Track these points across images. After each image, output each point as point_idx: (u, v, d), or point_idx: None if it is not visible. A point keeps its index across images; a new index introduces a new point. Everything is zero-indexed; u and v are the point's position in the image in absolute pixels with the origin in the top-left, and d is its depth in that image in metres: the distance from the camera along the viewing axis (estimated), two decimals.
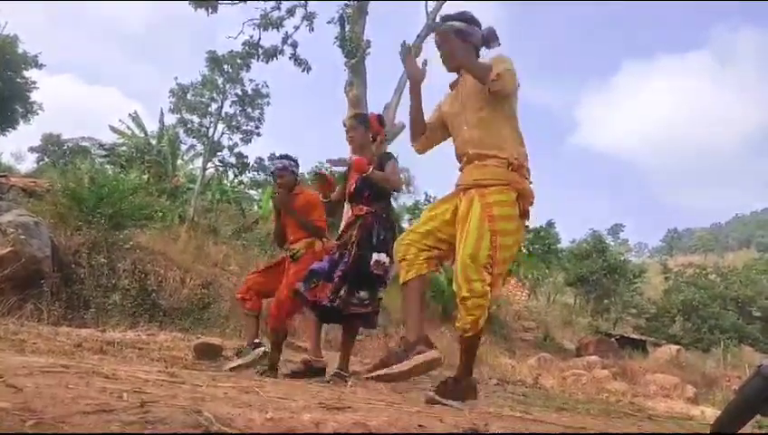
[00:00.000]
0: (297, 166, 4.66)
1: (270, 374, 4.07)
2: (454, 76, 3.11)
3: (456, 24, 3.00)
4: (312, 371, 3.95)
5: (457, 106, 2.98)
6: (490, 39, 3.04)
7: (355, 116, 4.46)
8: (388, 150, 4.11)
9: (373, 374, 2.77)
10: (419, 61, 3.09)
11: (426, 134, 3.16)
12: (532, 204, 2.87)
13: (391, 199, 4.10)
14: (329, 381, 3.70)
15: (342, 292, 3.76)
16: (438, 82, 3.29)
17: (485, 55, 3.05)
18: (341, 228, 4.17)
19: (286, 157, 4.65)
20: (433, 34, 3.16)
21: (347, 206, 4.57)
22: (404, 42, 3.19)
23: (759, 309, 25.63)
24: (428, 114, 3.21)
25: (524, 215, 2.82)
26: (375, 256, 3.70)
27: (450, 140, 3.12)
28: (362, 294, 3.76)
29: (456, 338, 2.86)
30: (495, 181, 2.76)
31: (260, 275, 4.59)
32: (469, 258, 2.64)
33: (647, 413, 5.64)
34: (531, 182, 2.90)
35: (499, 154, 2.80)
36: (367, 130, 4.07)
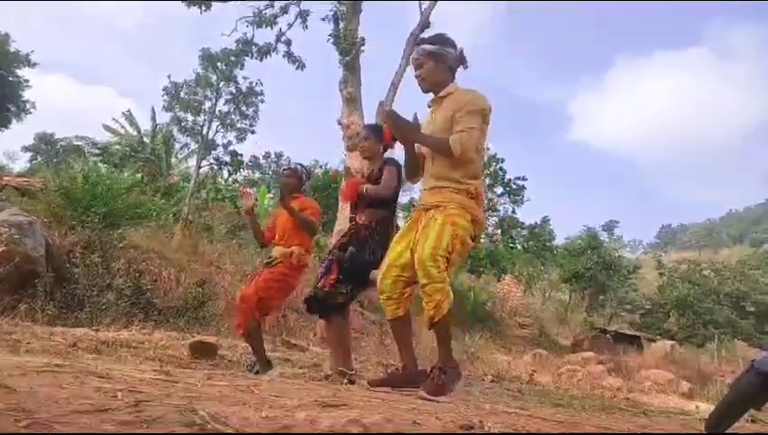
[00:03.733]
0: (308, 176, 4.82)
1: (266, 368, 4.12)
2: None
3: (429, 46, 3.15)
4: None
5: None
6: (462, 60, 3.20)
7: (370, 127, 4.53)
8: (392, 157, 4.12)
9: (374, 389, 3.08)
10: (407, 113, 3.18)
11: (421, 172, 3.32)
12: (482, 231, 3.17)
13: (393, 210, 4.09)
14: (327, 378, 3.71)
15: (321, 281, 3.84)
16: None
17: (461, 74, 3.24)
18: (338, 236, 4.20)
19: (302, 165, 4.85)
20: (410, 56, 3.29)
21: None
22: (379, 102, 3.32)
23: (753, 304, 25.76)
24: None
25: (474, 239, 3.07)
26: (375, 274, 3.66)
27: None
28: (348, 287, 3.81)
29: (426, 326, 3.01)
30: (454, 203, 2.99)
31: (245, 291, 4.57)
32: (429, 250, 2.85)
33: (642, 409, 5.66)
34: (484, 211, 3.21)
35: (458, 186, 3.03)
36: (378, 140, 4.10)
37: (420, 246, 2.90)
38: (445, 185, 3.04)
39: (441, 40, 3.17)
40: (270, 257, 4.46)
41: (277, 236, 4.52)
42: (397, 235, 3.25)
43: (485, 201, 3.19)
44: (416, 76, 3.20)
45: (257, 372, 4.17)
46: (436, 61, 3.11)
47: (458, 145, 2.92)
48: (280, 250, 4.41)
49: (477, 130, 2.99)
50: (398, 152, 4.13)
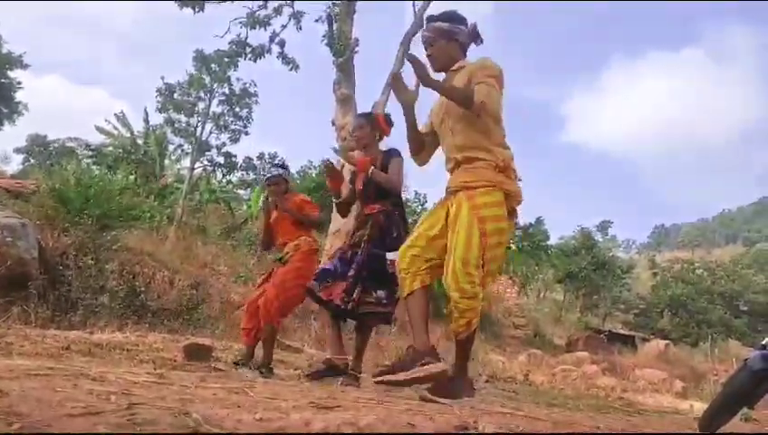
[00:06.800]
0: (288, 173, 4.70)
1: (266, 374, 4.05)
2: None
3: (440, 24, 3.04)
4: (334, 370, 3.79)
5: (442, 112, 3.03)
6: (475, 36, 3.09)
7: (362, 115, 4.42)
8: (394, 148, 4.04)
9: (380, 379, 2.90)
10: (411, 82, 3.04)
11: (425, 148, 3.20)
12: (519, 203, 2.95)
13: (399, 198, 3.97)
14: (341, 382, 3.66)
15: (356, 293, 3.68)
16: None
17: (473, 51, 3.12)
18: (353, 228, 4.07)
19: (279, 165, 4.71)
20: (420, 34, 3.18)
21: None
22: (395, 73, 3.19)
23: (746, 303, 25.94)
24: (424, 118, 3.26)
25: (512, 214, 2.91)
26: (391, 255, 3.59)
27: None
28: (380, 293, 3.66)
29: (447, 336, 2.95)
30: (483, 183, 2.82)
31: (255, 293, 4.51)
32: (460, 262, 2.72)
33: (636, 408, 5.69)
34: (519, 180, 2.97)
35: (486, 157, 2.86)
36: (373, 128, 4.00)
37: (450, 255, 2.76)
38: (472, 155, 2.88)
39: (452, 17, 3.07)
40: (282, 254, 4.36)
41: (282, 238, 4.46)
42: (427, 212, 3.11)
43: (515, 171, 2.97)
44: (427, 55, 3.07)
45: (259, 370, 4.14)
46: (449, 39, 3.01)
47: (481, 93, 2.75)
48: (287, 247, 4.35)
49: (497, 87, 2.85)
50: (394, 139, 4.08)
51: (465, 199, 2.80)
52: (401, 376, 2.78)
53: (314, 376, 3.84)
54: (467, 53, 3.11)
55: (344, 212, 4.30)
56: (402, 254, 2.98)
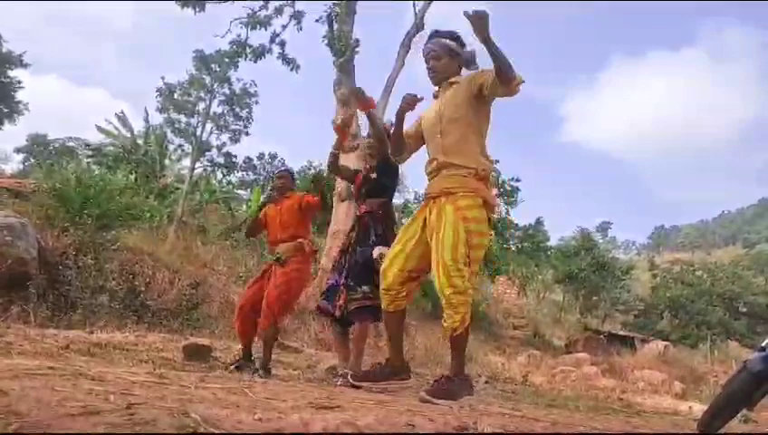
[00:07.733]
0: (294, 176, 4.99)
1: (264, 375, 4.06)
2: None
3: (447, 41, 3.16)
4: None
5: (434, 116, 3.13)
6: (471, 61, 3.20)
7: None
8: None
9: (359, 384, 3.21)
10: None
11: (406, 150, 3.35)
12: (494, 212, 3.14)
13: (391, 196, 4.23)
14: (339, 382, 3.69)
15: (341, 296, 3.92)
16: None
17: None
18: (332, 238, 4.30)
19: (288, 169, 5.00)
20: (424, 46, 3.25)
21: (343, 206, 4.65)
22: (409, 95, 3.23)
23: (745, 305, 25.92)
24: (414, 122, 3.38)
25: (488, 221, 3.03)
26: (377, 249, 3.79)
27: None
28: (365, 287, 3.84)
29: (444, 336, 3.03)
30: (463, 189, 2.93)
31: (250, 290, 4.56)
32: (449, 258, 2.81)
33: (635, 409, 5.69)
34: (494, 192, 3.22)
35: (468, 164, 2.97)
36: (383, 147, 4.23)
37: (440, 252, 2.85)
38: (455, 161, 2.98)
39: (457, 37, 3.20)
40: (278, 254, 4.40)
41: (279, 235, 4.49)
42: (404, 226, 3.23)
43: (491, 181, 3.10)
44: (428, 68, 3.20)
45: (255, 372, 4.15)
46: (452, 57, 3.15)
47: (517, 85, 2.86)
48: (284, 246, 4.40)
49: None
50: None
51: (448, 203, 2.92)
52: (379, 385, 3.13)
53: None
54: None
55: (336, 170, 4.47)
56: (384, 273, 3.13)
